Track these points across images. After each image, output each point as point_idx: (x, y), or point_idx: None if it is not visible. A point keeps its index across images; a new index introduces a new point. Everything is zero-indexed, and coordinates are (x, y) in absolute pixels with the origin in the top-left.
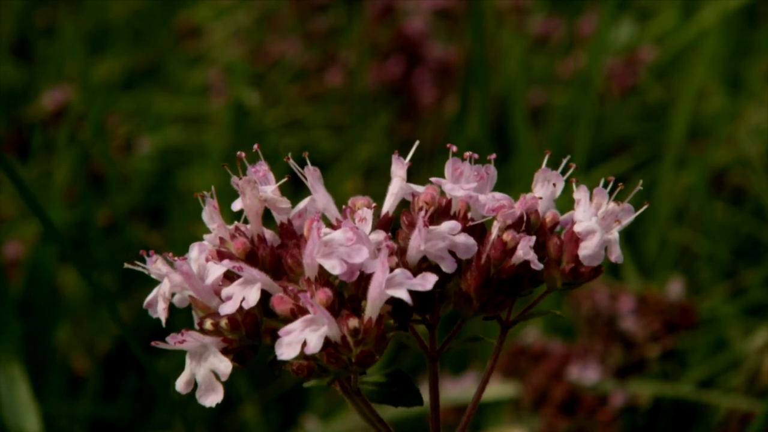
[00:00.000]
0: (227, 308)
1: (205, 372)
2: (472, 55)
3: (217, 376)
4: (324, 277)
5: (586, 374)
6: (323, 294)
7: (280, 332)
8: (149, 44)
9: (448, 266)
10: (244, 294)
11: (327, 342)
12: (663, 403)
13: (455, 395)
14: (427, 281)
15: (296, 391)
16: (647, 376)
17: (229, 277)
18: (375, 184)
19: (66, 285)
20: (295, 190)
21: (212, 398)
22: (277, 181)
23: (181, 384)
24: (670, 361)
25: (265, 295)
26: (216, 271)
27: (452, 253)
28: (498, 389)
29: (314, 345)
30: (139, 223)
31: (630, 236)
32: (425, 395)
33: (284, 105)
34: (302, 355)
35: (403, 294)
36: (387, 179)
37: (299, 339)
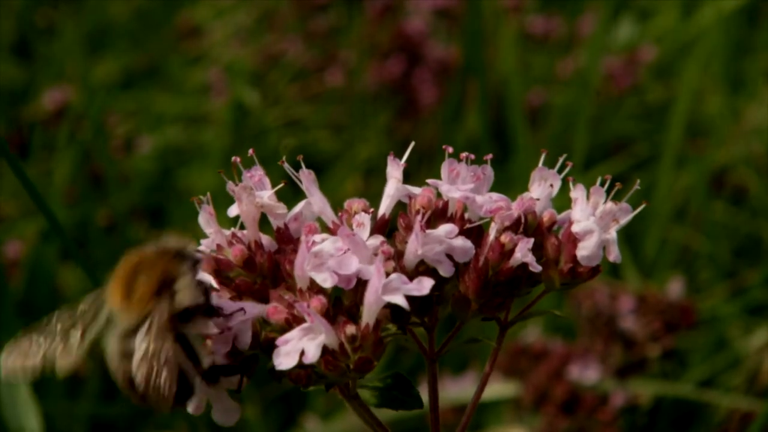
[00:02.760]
0: (222, 349)
1: (218, 392)
2: (469, 54)
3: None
4: (318, 285)
5: (587, 374)
6: (317, 301)
7: (278, 341)
8: (149, 44)
9: (445, 270)
10: (236, 330)
11: (325, 350)
12: (663, 403)
13: (455, 395)
14: (424, 286)
15: (297, 391)
16: (647, 375)
17: (225, 283)
18: (375, 183)
19: (66, 285)
20: (295, 191)
21: (230, 417)
22: (276, 183)
23: (192, 407)
24: (671, 361)
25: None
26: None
27: (450, 257)
28: (498, 389)
29: (312, 354)
30: (139, 223)
31: (630, 236)
32: (425, 396)
33: (284, 105)
34: (300, 364)
35: (399, 299)
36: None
37: (297, 348)
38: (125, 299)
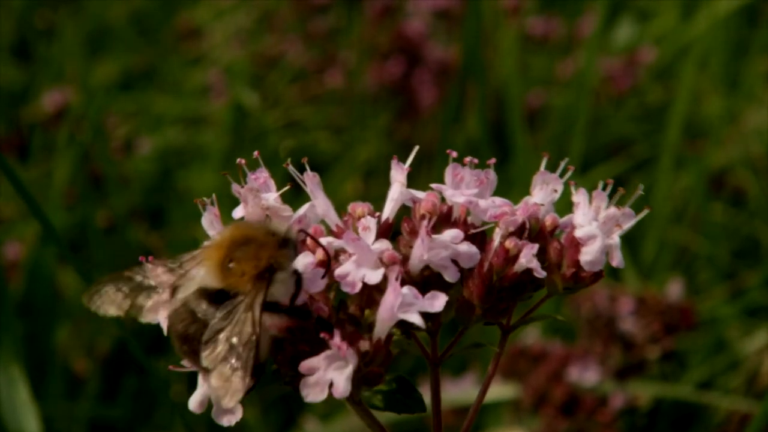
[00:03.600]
0: None
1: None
2: (469, 55)
3: None
4: (323, 293)
5: (586, 375)
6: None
7: (302, 368)
8: (149, 45)
9: (450, 275)
10: None
11: None
12: (663, 404)
13: (455, 397)
14: (437, 302)
15: (297, 392)
16: (647, 377)
17: None
18: (375, 185)
19: (66, 286)
20: (296, 192)
21: (228, 418)
22: (277, 185)
23: (194, 403)
24: (670, 362)
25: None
26: None
27: (455, 262)
28: (498, 390)
29: (343, 389)
30: (139, 225)
31: (629, 237)
32: (426, 399)
33: (284, 106)
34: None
35: (415, 318)
36: (387, 180)
37: (325, 380)
38: (223, 268)
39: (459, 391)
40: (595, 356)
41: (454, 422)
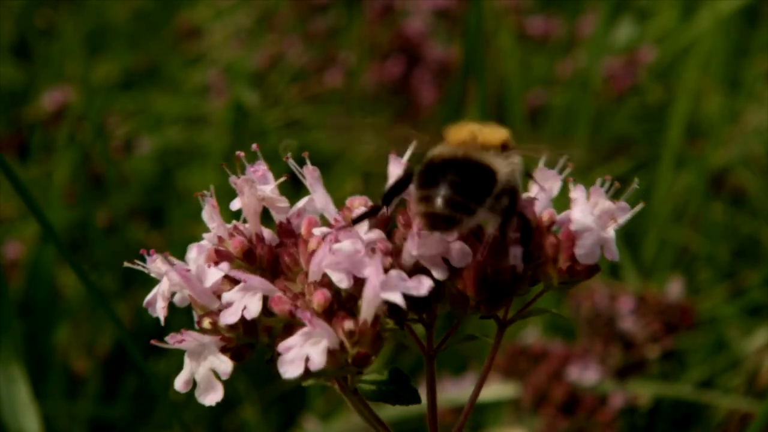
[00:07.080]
0: (229, 318)
1: (205, 371)
2: (469, 55)
3: (217, 375)
4: (324, 278)
5: (586, 375)
6: (321, 295)
7: (280, 348)
8: (149, 45)
9: (440, 274)
10: (245, 302)
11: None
12: (663, 404)
13: (454, 395)
14: (423, 285)
15: (296, 391)
16: (647, 376)
17: (230, 277)
18: (375, 184)
19: (66, 285)
20: (296, 189)
21: (212, 397)
22: (277, 181)
23: (180, 383)
24: (670, 362)
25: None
26: (214, 275)
27: (447, 260)
28: (498, 389)
29: (318, 361)
30: (139, 224)
31: (629, 236)
32: (424, 396)
33: (284, 105)
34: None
35: (397, 298)
36: (386, 180)
37: (301, 355)
38: (464, 141)
39: (459, 389)
40: (596, 355)
41: (454, 422)
